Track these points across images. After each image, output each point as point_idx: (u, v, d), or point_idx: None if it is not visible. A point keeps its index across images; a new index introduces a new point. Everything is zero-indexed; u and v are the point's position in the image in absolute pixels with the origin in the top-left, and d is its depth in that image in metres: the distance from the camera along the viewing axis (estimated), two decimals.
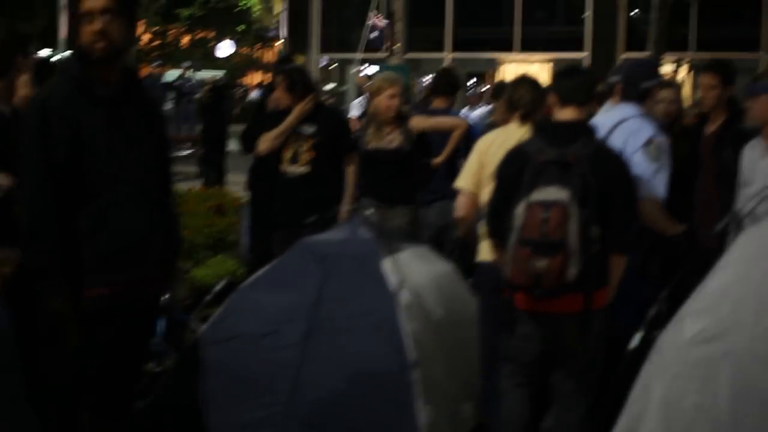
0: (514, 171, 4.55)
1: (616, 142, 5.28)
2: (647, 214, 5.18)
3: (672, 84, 7.28)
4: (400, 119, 7.24)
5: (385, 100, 7.15)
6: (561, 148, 4.50)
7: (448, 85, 8.41)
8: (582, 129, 4.69)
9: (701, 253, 5.40)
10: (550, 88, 5.06)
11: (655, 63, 5.71)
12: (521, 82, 5.69)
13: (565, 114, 4.71)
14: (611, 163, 4.63)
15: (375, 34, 19.68)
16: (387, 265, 5.22)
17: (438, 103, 8.33)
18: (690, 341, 3.99)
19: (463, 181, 5.55)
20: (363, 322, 4.96)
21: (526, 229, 4.34)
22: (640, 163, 5.23)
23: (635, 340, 4.89)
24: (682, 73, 21.16)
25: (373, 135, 7.23)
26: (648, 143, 5.32)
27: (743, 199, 5.67)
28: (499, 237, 4.64)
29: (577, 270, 4.28)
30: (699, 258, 5.22)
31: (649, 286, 5.47)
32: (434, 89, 8.56)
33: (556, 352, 4.69)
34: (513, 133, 5.34)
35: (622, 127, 5.40)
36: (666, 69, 17.86)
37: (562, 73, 4.95)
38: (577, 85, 4.76)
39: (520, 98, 5.51)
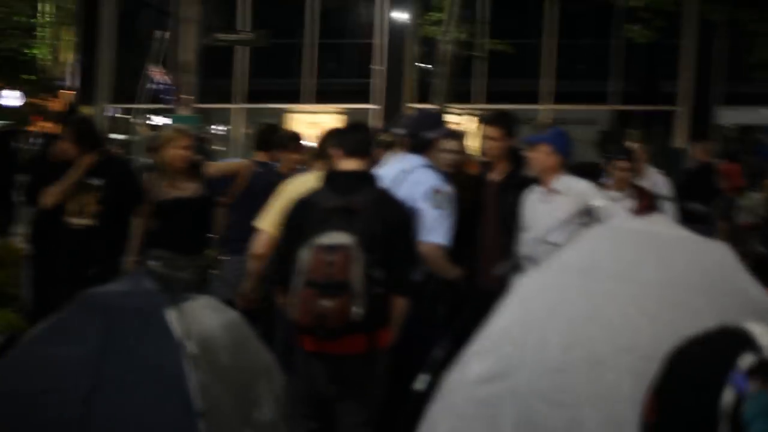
0: (301, 218, 4.67)
1: (401, 191, 5.41)
2: (431, 259, 5.32)
3: (456, 134, 7.48)
4: (192, 168, 7.19)
5: (177, 151, 7.06)
6: (346, 196, 4.67)
7: (267, 142, 8.39)
8: (365, 178, 4.88)
9: (484, 296, 5.56)
10: (333, 142, 5.20)
11: (439, 114, 5.87)
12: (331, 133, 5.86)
13: (349, 165, 4.89)
14: (393, 209, 4.82)
15: (156, 86, 19.42)
16: (172, 316, 5.13)
17: (259, 157, 8.31)
18: (474, 381, 4.08)
19: (263, 222, 5.73)
20: (148, 375, 4.84)
21: (312, 272, 4.47)
22: (424, 211, 5.40)
23: (421, 382, 4.96)
24: (468, 123, 21.82)
25: (165, 185, 7.14)
26: (432, 192, 5.48)
27: (523, 243, 5.87)
28: (284, 281, 4.71)
29: (360, 310, 4.39)
30: (481, 301, 5.37)
31: (435, 328, 5.57)
32: (256, 144, 8.53)
33: (342, 391, 4.80)
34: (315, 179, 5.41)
35: (406, 177, 5.53)
36: (452, 120, 18.36)
37: (345, 128, 5.14)
38: (360, 139, 5.00)
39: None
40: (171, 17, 20.93)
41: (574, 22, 23.14)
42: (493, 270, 6.01)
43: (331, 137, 5.71)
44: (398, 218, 4.82)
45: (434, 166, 5.82)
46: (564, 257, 4.65)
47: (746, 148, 19.61)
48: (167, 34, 14.14)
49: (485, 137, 6.55)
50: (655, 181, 9.33)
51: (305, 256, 4.50)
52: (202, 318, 5.42)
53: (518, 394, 3.97)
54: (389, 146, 6.29)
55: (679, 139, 20.83)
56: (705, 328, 4.03)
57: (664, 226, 4.92)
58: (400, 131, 5.84)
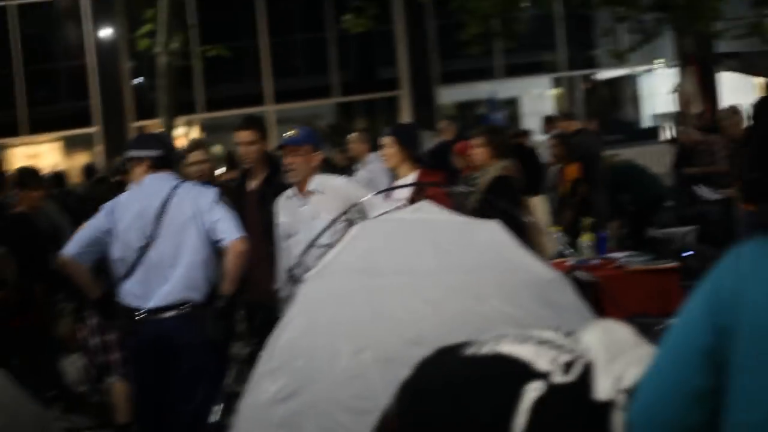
0: None
1: (182, 204, 5.28)
2: (244, 254, 5.19)
3: (199, 144, 7.28)
4: None
5: None
6: None
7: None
8: None
9: (259, 311, 5.41)
10: None
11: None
12: None
13: None
14: None
15: None
16: None
17: None
18: (270, 402, 3.91)
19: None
20: None
21: None
22: (221, 214, 5.29)
23: (215, 414, 4.72)
24: (195, 134, 21.45)
25: None
26: (219, 195, 5.38)
27: (291, 249, 5.73)
28: None
29: None
30: (257, 316, 5.22)
31: (222, 358, 5.38)
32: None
33: None
34: None
35: (179, 191, 5.33)
36: (179, 132, 18.00)
37: None
38: None
39: None
40: None
41: (285, 19, 23.19)
42: (269, 284, 5.85)
43: None
44: None
45: (187, 180, 5.60)
46: (340, 258, 4.54)
47: (470, 124, 20.29)
48: None
49: (240, 143, 6.36)
50: (373, 168, 9.47)
51: None
52: None
53: (319, 408, 3.83)
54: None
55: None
56: (491, 309, 4.05)
57: (431, 212, 4.89)
58: (136, 153, 5.54)
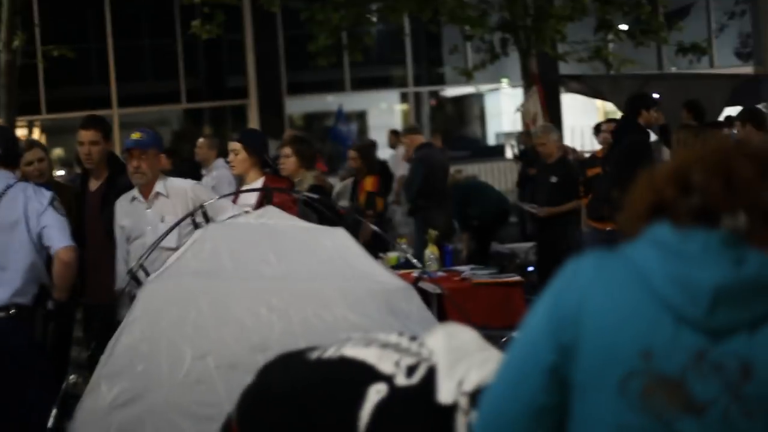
0: None
1: (13, 204, 5.06)
2: (71, 263, 5.00)
3: (36, 143, 7.06)
4: None
5: None
6: None
7: None
8: None
9: (98, 313, 5.28)
10: None
11: (8, 129, 5.41)
12: None
13: None
14: None
15: None
16: None
17: None
18: (109, 406, 3.81)
19: None
20: None
21: None
22: (54, 219, 5.08)
23: (51, 418, 4.56)
24: (35, 135, 20.84)
25: None
26: (52, 200, 5.14)
27: (134, 252, 5.61)
28: None
29: None
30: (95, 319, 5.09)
31: (58, 362, 5.23)
32: None
33: None
34: None
35: (12, 191, 5.10)
36: (20, 132, 17.47)
37: None
38: None
39: None
40: None
41: (133, 23, 22.77)
42: (107, 286, 5.70)
43: None
44: None
45: (24, 179, 5.38)
46: (184, 262, 4.48)
47: (318, 136, 20.28)
48: None
49: (83, 143, 6.17)
50: (220, 174, 9.49)
51: None
52: None
53: (158, 414, 3.77)
54: None
55: None
56: (336, 317, 4.06)
57: (277, 217, 4.87)
58: None
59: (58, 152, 19.35)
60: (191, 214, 5.25)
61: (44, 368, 5.10)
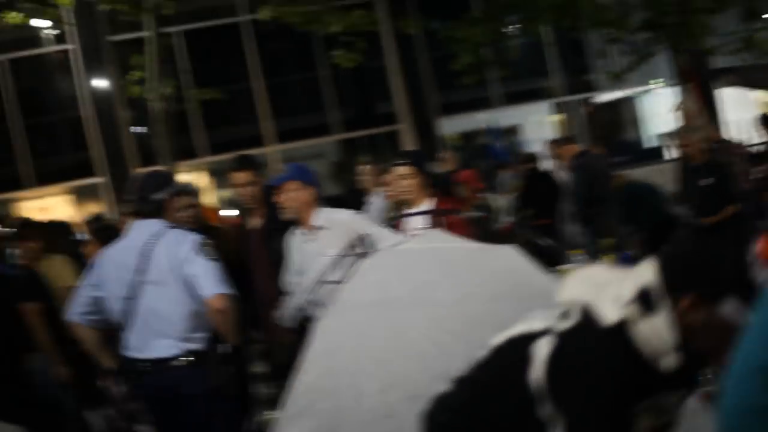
0: None
1: (160, 255, 5.07)
2: (223, 311, 4.95)
3: (186, 189, 7.12)
4: None
5: None
6: None
7: None
8: None
9: (283, 351, 5.26)
10: None
11: (164, 174, 5.44)
12: None
13: None
14: None
15: None
16: None
17: None
18: None
19: None
20: None
21: None
22: (199, 266, 5.02)
23: None
24: (200, 178, 21.34)
25: None
26: (200, 245, 5.11)
27: (302, 287, 5.59)
28: None
29: None
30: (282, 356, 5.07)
31: (235, 403, 5.25)
32: None
33: None
34: None
35: (159, 240, 5.13)
36: (183, 177, 17.89)
37: None
38: None
39: None
40: None
41: (277, 60, 23.12)
42: (276, 320, 5.69)
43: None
44: None
45: (177, 226, 5.39)
46: (354, 293, 4.39)
47: (475, 153, 20.16)
48: None
49: (238, 185, 6.24)
50: (379, 202, 9.38)
51: None
52: None
53: None
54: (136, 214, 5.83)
55: None
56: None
57: (442, 240, 4.74)
58: (131, 198, 5.40)
59: (224, 194, 19.73)
60: (354, 246, 5.18)
61: (226, 411, 5.10)
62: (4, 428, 5.56)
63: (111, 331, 5.31)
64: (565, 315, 2.71)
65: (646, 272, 2.60)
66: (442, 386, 3.32)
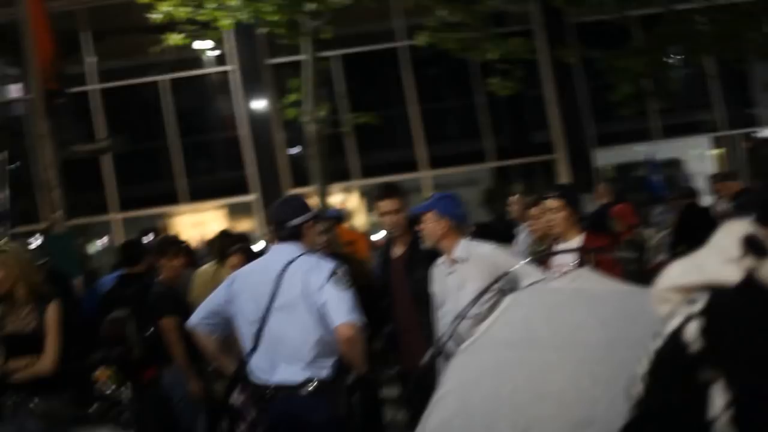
0: None
1: (293, 280, 5.03)
2: (352, 341, 4.84)
3: (320, 216, 7.09)
4: (39, 299, 6.04)
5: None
6: None
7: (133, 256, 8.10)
8: None
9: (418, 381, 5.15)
10: None
11: (301, 199, 5.39)
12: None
13: None
14: None
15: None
16: None
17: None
18: None
19: None
20: None
21: None
22: (332, 295, 4.94)
23: None
24: (352, 200, 21.51)
25: (7, 316, 6.01)
26: (335, 274, 5.02)
27: (441, 320, 5.47)
28: None
29: None
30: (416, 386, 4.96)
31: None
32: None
33: None
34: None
35: (293, 266, 5.09)
36: (335, 200, 18.03)
37: None
38: None
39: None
40: (24, 136, 20.22)
41: (433, 86, 23.14)
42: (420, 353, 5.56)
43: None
44: None
45: (312, 251, 5.34)
46: (495, 330, 4.22)
47: (632, 186, 19.66)
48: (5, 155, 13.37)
49: (383, 213, 6.21)
50: (523, 232, 9.24)
51: None
52: None
53: None
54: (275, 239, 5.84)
55: None
56: None
57: (592, 280, 4.53)
58: (274, 220, 5.40)
59: (375, 217, 19.81)
60: (495, 282, 5.02)
61: None
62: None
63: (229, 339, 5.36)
64: (690, 302, 2.53)
65: (736, 228, 2.46)
66: None
